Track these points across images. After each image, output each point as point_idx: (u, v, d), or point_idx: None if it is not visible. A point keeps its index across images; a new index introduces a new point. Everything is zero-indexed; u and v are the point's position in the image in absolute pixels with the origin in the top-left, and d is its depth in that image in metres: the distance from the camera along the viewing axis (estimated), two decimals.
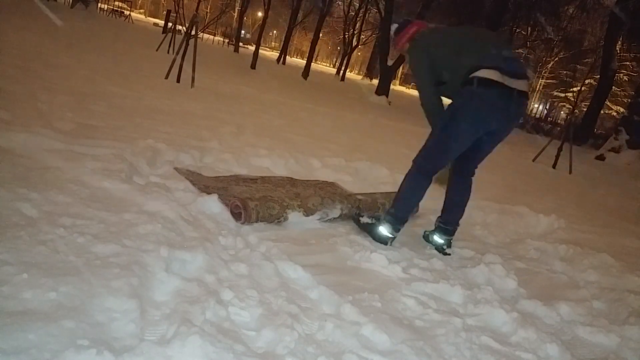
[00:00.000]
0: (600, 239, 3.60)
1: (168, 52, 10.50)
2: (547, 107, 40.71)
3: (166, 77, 6.90)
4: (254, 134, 4.52)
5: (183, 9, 8.92)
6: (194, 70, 6.82)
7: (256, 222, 2.35)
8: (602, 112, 20.39)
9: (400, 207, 2.49)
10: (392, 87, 18.89)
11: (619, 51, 19.44)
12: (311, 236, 2.39)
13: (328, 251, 2.25)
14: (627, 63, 24.61)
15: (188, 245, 1.86)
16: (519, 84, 2.28)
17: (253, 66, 14.96)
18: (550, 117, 33.00)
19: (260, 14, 36.58)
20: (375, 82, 20.64)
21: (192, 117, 4.67)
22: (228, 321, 1.47)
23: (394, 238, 2.49)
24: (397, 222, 2.48)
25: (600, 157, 12.54)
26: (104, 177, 2.28)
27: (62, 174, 2.20)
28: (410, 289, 2.01)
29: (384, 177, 3.92)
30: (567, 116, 14.63)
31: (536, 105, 40.87)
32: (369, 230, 2.52)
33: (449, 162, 2.51)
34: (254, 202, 2.37)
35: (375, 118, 9.59)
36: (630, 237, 3.96)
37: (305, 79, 16.90)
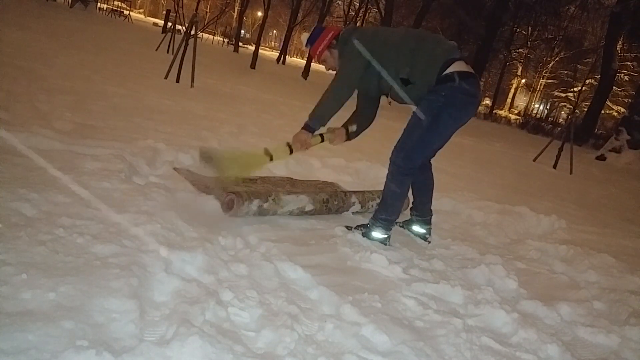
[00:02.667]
0: (601, 240, 3.60)
1: (167, 52, 10.49)
2: (548, 107, 40.70)
3: (166, 77, 6.89)
4: (254, 134, 4.51)
5: (183, 8, 8.90)
6: (193, 70, 6.82)
7: (248, 200, 2.34)
8: (602, 112, 20.38)
9: (391, 210, 2.49)
10: None
11: (619, 51, 19.44)
12: (311, 237, 2.39)
13: (328, 252, 2.25)
14: (628, 63, 24.60)
15: (188, 246, 1.85)
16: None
17: (253, 66, 14.97)
18: (550, 117, 32.99)
19: (260, 13, 36.59)
20: None
21: (191, 117, 4.66)
22: (228, 322, 1.46)
23: (389, 237, 2.50)
24: (390, 224, 2.50)
25: (601, 157, 12.55)
26: (103, 177, 2.27)
27: (61, 174, 2.19)
28: (411, 289, 2.01)
29: (384, 177, 3.90)
30: (567, 116, 14.63)
31: (537, 106, 40.87)
32: (365, 237, 2.50)
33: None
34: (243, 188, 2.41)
35: (375, 118, 9.57)
36: (631, 237, 3.96)
37: (305, 79, 16.90)
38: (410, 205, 2.83)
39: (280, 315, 1.55)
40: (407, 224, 2.82)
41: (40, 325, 1.20)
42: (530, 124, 21.50)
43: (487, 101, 30.04)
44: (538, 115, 34.34)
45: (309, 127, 2.47)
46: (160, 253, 1.71)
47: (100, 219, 1.86)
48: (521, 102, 41.79)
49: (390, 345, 1.55)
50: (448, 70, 2.28)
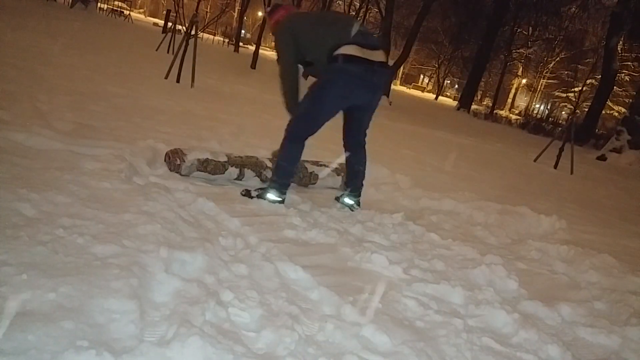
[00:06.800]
0: (602, 240, 3.59)
1: (168, 52, 10.49)
2: (549, 108, 40.66)
3: (166, 77, 6.90)
4: (254, 134, 4.51)
5: (183, 8, 8.90)
6: (193, 70, 6.82)
7: (184, 153, 2.75)
8: (603, 112, 20.36)
9: (280, 174, 2.73)
10: (392, 87, 18.89)
11: (620, 51, 19.43)
12: (311, 237, 2.38)
13: (328, 252, 2.25)
14: (629, 63, 24.59)
15: (188, 246, 1.85)
16: (377, 55, 2.61)
17: (253, 66, 14.97)
18: (551, 118, 32.97)
19: (260, 13, 36.56)
20: None
21: (192, 117, 4.67)
22: (228, 322, 1.46)
23: (283, 200, 2.73)
24: (282, 187, 2.72)
25: (602, 158, 12.53)
26: (103, 178, 2.27)
27: (61, 174, 2.19)
28: (411, 289, 2.00)
29: (384, 177, 3.91)
30: (568, 116, 14.62)
31: (537, 106, 40.87)
32: (260, 198, 2.71)
33: (317, 129, 2.74)
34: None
35: (376, 118, 9.55)
36: (632, 237, 3.96)
37: (306, 79, 16.89)
38: (345, 181, 3.08)
39: (280, 316, 1.55)
40: (341, 198, 3.02)
41: (40, 325, 1.19)
42: (530, 124, 21.46)
43: (488, 101, 30.02)
44: (539, 116, 34.26)
45: None
46: (160, 253, 1.71)
47: (100, 219, 1.86)
48: (522, 102, 41.79)
49: (391, 345, 1.54)
50: (335, 52, 2.55)
